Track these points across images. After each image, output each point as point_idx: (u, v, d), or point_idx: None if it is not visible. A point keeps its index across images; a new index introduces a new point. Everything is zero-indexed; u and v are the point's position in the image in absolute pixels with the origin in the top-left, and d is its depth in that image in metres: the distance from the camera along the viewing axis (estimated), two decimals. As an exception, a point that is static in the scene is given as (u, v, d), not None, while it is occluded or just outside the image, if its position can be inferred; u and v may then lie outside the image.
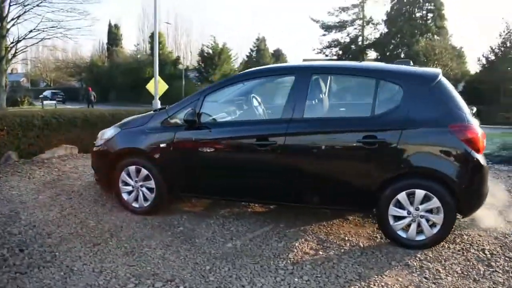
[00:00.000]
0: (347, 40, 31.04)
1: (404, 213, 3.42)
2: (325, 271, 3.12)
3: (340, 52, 31.06)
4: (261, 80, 4.07)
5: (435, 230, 3.38)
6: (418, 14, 28.80)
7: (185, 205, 4.47)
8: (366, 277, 3.04)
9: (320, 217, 4.15)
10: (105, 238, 3.66)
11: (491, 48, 25.11)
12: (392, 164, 3.41)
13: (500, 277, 3.05)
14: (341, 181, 3.57)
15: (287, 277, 3.02)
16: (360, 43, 31.14)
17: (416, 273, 3.10)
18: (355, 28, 31.32)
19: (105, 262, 3.23)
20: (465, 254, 3.40)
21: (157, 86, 13.25)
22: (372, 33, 31.01)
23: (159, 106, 12.20)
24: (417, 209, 3.38)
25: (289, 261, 3.27)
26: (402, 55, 28.55)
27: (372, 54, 31.61)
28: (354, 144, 3.47)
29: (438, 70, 3.54)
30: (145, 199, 4.17)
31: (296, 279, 2.99)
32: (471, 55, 51.49)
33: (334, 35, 31.12)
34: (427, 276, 3.06)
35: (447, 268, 3.18)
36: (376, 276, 3.04)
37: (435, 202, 3.32)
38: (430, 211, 3.36)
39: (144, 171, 4.10)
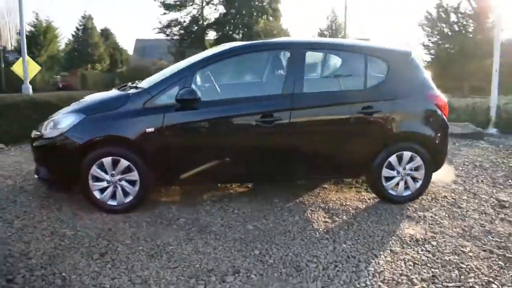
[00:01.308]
0: (187, 19, 30.87)
1: (394, 173, 3.90)
2: (357, 233, 3.35)
3: (182, 32, 30.70)
4: (253, 55, 3.88)
5: (418, 184, 3.97)
6: (255, -5, 30.68)
7: (155, 196, 4.00)
8: (391, 232, 3.40)
9: (301, 188, 4.32)
10: (106, 246, 3.05)
11: (320, 30, 28.87)
12: (387, 131, 3.81)
13: (474, 215, 3.84)
14: (344, 150, 3.82)
15: (336, 245, 3.13)
16: (200, 23, 31.36)
17: (420, 222, 3.62)
18: (194, 8, 31.38)
19: (136, 271, 2.73)
20: (439, 202, 4.12)
21: (26, 68, 10.49)
22: (212, 13, 31.58)
23: (30, 91, 10.01)
24: (404, 168, 3.90)
25: (321, 232, 3.37)
26: (240, 36, 30.06)
27: (212, 34, 32.30)
28: (354, 114, 3.74)
29: (409, 49, 4.07)
30: (125, 194, 3.59)
31: (344, 245, 3.13)
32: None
33: (174, 15, 30.52)
34: (430, 223, 3.61)
35: (436, 214, 3.80)
36: (397, 230, 3.43)
37: (418, 161, 3.89)
38: (414, 169, 3.93)
39: (124, 162, 3.51)
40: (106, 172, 3.53)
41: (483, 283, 2.70)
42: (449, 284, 2.66)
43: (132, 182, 3.58)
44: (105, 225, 3.39)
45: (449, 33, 26.95)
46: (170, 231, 3.33)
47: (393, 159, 3.85)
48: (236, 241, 3.18)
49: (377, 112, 3.74)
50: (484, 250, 3.15)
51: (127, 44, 77.53)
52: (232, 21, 29.90)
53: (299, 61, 3.67)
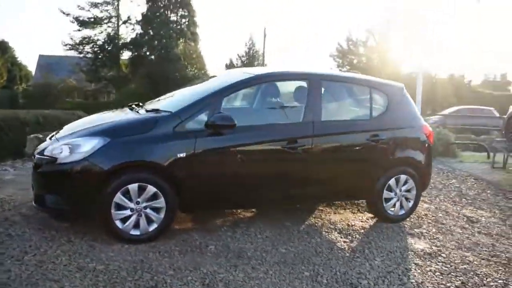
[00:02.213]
0: (102, 38, 29.46)
1: (392, 195, 4.32)
2: (379, 250, 3.64)
3: (96, 50, 29.13)
4: (273, 84, 4.02)
5: (410, 204, 4.43)
6: (173, 18, 30.48)
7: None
8: (405, 248, 3.76)
9: (302, 212, 4.51)
10: (152, 278, 2.88)
11: (238, 56, 29.80)
12: (390, 156, 4.23)
13: (457, 230, 4.41)
14: (354, 174, 4.12)
15: (371, 263, 3.37)
16: (116, 41, 30.16)
17: (421, 238, 4.06)
18: (110, 26, 30.11)
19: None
20: (424, 220, 4.63)
21: None
22: (129, 33, 30.59)
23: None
24: (400, 190, 4.34)
25: (348, 251, 3.59)
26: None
27: (127, 54, 31.23)
28: (364, 142, 4.10)
29: (401, 84, 4.60)
30: (149, 222, 3.42)
31: (376, 262, 3.39)
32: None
33: (88, 32, 28.85)
34: (428, 238, 4.07)
35: (429, 230, 4.29)
36: (409, 246, 3.81)
37: (411, 183, 4.37)
38: (407, 190, 4.39)
39: (152, 189, 3.35)
40: (130, 200, 3.33)
41: (501, 285, 3.16)
42: (480, 289, 3.07)
43: (157, 210, 3.42)
44: (135, 257, 3.18)
45: (358, 64, 30.01)
46: (207, 258, 3.25)
47: (392, 182, 4.27)
48: (280, 264, 3.23)
49: (382, 140, 4.15)
50: (482, 259, 3.67)
51: (29, 60, 70.73)
52: (149, 42, 29.31)
53: (317, 91, 3.93)
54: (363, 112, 4.28)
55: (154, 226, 3.44)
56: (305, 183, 3.93)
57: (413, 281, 3.12)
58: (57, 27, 73.93)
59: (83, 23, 28.12)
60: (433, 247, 3.84)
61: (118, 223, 3.33)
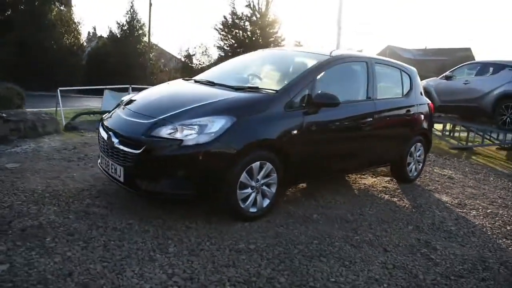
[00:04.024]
0: None
1: (411, 159, 5.16)
2: (428, 204, 4.43)
3: None
4: (345, 65, 4.27)
5: (420, 166, 5.37)
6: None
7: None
8: (438, 200, 4.64)
9: (342, 185, 5.06)
10: (318, 246, 3.09)
11: (118, 24, 27.55)
12: (415, 127, 5.03)
13: (458, 185, 5.53)
14: (394, 144, 4.81)
15: (434, 211, 4.14)
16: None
17: (439, 193, 5.02)
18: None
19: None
20: (427, 179, 5.64)
21: None
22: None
23: None
24: (416, 155, 5.22)
25: (411, 207, 4.29)
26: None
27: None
28: (402, 116, 4.80)
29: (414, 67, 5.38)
30: (264, 198, 3.53)
31: (437, 212, 4.17)
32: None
33: None
34: (443, 193, 5.06)
35: (435, 186, 5.30)
36: (440, 199, 4.71)
37: (422, 149, 5.30)
38: (419, 155, 5.30)
39: (269, 166, 3.46)
40: (251, 179, 3.38)
41: (523, 222, 4.29)
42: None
43: (269, 185, 3.54)
44: (267, 232, 3.29)
45: (243, 39, 30.75)
46: (324, 225, 3.55)
47: (412, 148, 5.11)
48: (381, 223, 3.74)
49: (411, 114, 4.91)
50: (489, 204, 4.79)
51: None
52: (14, 4, 24.89)
53: (373, 73, 4.43)
54: (398, 90, 4.95)
55: (267, 201, 3.55)
56: (369, 152, 4.48)
57: (476, 222, 4.00)
58: None
59: None
60: (453, 199, 4.81)
61: (241, 203, 3.35)
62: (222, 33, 31.15)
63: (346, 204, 4.18)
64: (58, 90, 9.09)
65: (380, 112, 4.45)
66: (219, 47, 31.60)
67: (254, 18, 30.62)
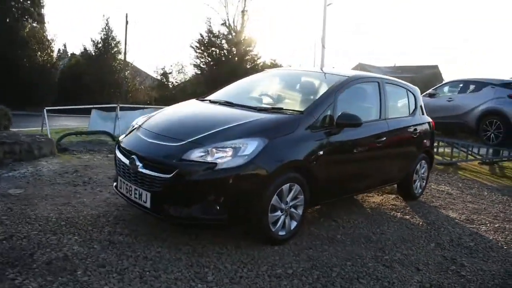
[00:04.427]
0: None
1: (416, 177, 5.26)
2: (439, 220, 4.50)
3: None
4: (360, 85, 4.31)
5: (424, 183, 5.48)
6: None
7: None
8: (447, 217, 4.73)
9: (354, 203, 5.08)
10: (353, 269, 3.06)
11: (93, 41, 27.04)
12: (420, 145, 5.14)
13: (458, 200, 5.66)
14: (404, 162, 4.88)
15: (447, 228, 4.21)
16: None
17: (445, 209, 5.12)
18: None
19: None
20: (430, 196, 5.74)
21: None
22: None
23: None
24: (420, 173, 5.32)
25: (425, 224, 4.34)
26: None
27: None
28: (410, 135, 4.89)
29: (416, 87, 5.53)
30: (292, 220, 3.49)
31: (450, 228, 4.24)
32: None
33: None
34: (448, 209, 5.16)
35: (439, 202, 5.41)
36: (448, 216, 4.80)
37: (426, 166, 5.41)
38: (423, 172, 5.41)
39: (297, 187, 3.44)
40: (281, 201, 3.33)
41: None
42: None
43: (296, 207, 3.51)
44: (299, 256, 3.24)
45: (219, 56, 30.85)
46: (351, 247, 3.54)
47: (418, 166, 5.21)
48: (403, 242, 3.76)
49: (417, 133, 5.02)
50: (494, 219, 4.92)
51: None
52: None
53: (385, 92, 4.52)
54: (405, 109, 5.06)
55: (294, 224, 3.51)
56: (381, 171, 4.53)
57: (490, 237, 4.10)
58: None
59: None
60: (460, 215, 4.92)
61: (272, 226, 3.30)
62: (198, 51, 31.17)
63: (364, 223, 4.18)
64: (45, 110, 8.76)
65: (392, 132, 4.52)
66: (195, 65, 31.59)
67: (230, 36, 30.88)
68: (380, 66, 73.49)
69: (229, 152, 3.07)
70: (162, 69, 30.32)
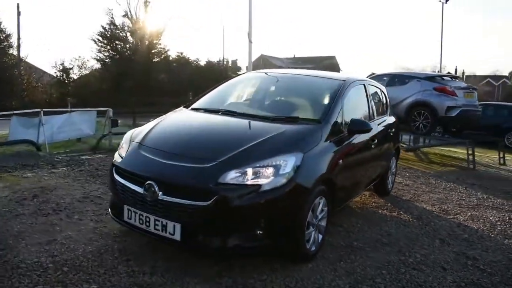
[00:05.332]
0: None
1: (389, 173, 5.49)
2: (423, 215, 4.77)
3: None
4: (354, 88, 4.21)
5: (393, 178, 5.75)
6: None
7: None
8: (425, 209, 5.04)
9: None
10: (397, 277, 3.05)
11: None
12: (394, 142, 5.37)
13: (440, 188, 6.05)
14: (384, 160, 5.04)
15: (433, 222, 4.47)
16: None
17: (418, 202, 5.45)
18: None
19: None
20: (400, 186, 6.05)
21: None
22: None
23: None
24: (392, 168, 5.57)
25: (414, 219, 4.56)
26: None
27: None
28: (388, 133, 5.06)
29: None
30: (319, 233, 3.37)
31: (436, 222, 4.52)
32: None
33: None
34: (420, 201, 5.50)
35: (408, 195, 5.74)
36: (426, 208, 5.11)
37: (395, 161, 5.69)
38: (393, 167, 5.67)
39: (324, 200, 3.32)
40: (314, 216, 3.19)
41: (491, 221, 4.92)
42: None
43: (321, 220, 3.39)
44: (336, 272, 3.15)
45: (124, 50, 28.94)
46: (376, 252, 3.55)
47: (391, 162, 5.45)
48: (408, 240, 3.89)
49: (391, 130, 5.23)
50: (468, 207, 5.38)
51: None
52: None
53: (370, 94, 4.58)
54: (382, 108, 5.21)
55: (320, 237, 3.39)
56: (373, 170, 4.65)
57: (475, 227, 4.46)
58: None
59: None
60: (433, 207, 5.27)
61: (306, 244, 3.14)
62: (100, 44, 28.92)
63: (366, 225, 4.23)
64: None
65: (380, 132, 4.64)
66: (98, 60, 29.30)
67: (135, 29, 29.11)
68: (282, 58, 76.35)
69: (270, 171, 2.82)
70: (61, 64, 27.45)
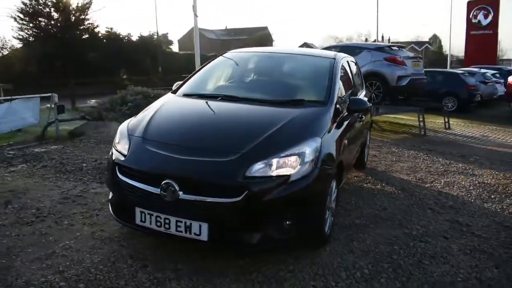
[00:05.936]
0: None
1: (366, 146, 5.66)
2: (411, 185, 5.00)
3: None
4: (342, 65, 4.24)
5: (368, 151, 5.94)
6: None
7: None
8: (403, 179, 5.29)
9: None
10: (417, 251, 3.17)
11: None
12: (370, 116, 5.48)
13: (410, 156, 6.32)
14: (364, 132, 5.15)
15: (420, 191, 4.71)
16: None
17: (396, 173, 5.69)
18: None
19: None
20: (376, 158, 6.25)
21: None
22: None
23: None
24: (367, 141, 5.74)
25: (400, 191, 4.76)
26: None
27: None
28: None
29: None
30: (332, 215, 3.39)
31: (421, 191, 4.77)
32: None
33: None
34: (398, 173, 5.75)
35: (382, 167, 5.97)
36: (406, 178, 5.36)
37: (369, 134, 5.86)
38: (368, 140, 5.84)
39: (334, 182, 3.31)
40: (330, 199, 3.18)
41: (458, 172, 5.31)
42: None
43: (332, 202, 3.40)
44: (355, 253, 3.20)
45: (49, 28, 26.40)
46: (380, 228, 3.65)
47: (368, 137, 5.61)
48: (411, 209, 4.07)
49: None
50: (438, 173, 5.72)
51: None
52: None
53: (351, 69, 4.64)
54: (360, 82, 5.25)
55: (331, 218, 3.40)
56: (360, 145, 4.74)
57: (454, 193, 4.77)
58: None
59: None
60: (409, 177, 5.52)
61: (325, 227, 3.14)
62: (21, 22, 26.09)
63: (360, 202, 4.33)
64: None
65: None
66: (21, 39, 26.48)
67: (59, 3, 26.54)
68: (214, 30, 74.52)
69: (295, 159, 2.73)
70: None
